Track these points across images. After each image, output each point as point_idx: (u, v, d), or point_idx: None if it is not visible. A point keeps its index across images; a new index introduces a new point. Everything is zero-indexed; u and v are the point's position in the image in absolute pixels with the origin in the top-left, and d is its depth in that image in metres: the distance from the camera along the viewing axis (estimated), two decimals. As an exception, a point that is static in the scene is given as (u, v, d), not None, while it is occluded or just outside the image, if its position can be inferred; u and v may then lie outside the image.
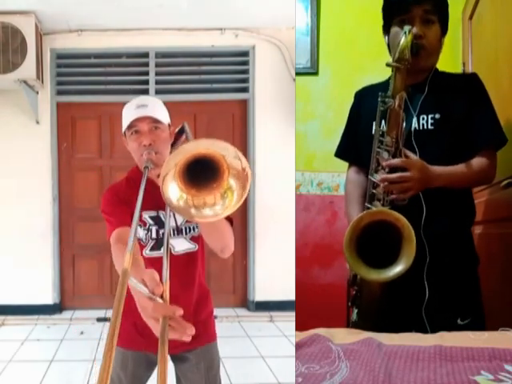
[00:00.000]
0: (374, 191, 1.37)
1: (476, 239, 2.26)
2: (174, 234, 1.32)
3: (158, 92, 3.53)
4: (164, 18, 3.31)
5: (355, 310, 1.51)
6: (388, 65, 1.34)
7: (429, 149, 1.41)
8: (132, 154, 1.30)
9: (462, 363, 0.99)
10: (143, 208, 1.14)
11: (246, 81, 3.64)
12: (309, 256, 2.64)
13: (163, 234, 1.28)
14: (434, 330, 1.27)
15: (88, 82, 3.58)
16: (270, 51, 3.58)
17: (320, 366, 1.01)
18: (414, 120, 1.44)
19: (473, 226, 1.58)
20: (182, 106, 3.59)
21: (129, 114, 1.28)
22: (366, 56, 2.54)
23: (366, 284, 1.44)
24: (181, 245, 1.33)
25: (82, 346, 2.98)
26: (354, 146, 1.63)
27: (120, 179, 1.39)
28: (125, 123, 1.29)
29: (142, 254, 1.24)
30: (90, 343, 2.96)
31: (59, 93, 3.60)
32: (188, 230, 1.34)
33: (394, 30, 1.45)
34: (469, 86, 1.49)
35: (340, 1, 2.72)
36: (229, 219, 1.26)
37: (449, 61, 2.55)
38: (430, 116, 1.45)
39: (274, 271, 3.46)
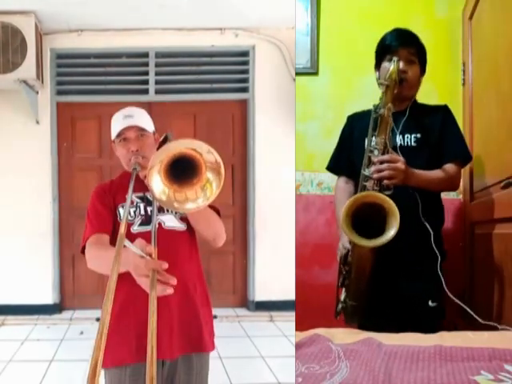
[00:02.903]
0: (365, 184, 1.64)
1: (476, 239, 2.26)
2: (162, 211, 1.38)
3: (157, 92, 3.52)
4: (164, 18, 3.31)
5: (343, 293, 1.79)
6: (380, 83, 1.68)
7: (413, 161, 1.68)
8: (120, 160, 1.43)
9: (461, 363, 0.99)
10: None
11: (246, 81, 3.64)
12: (309, 256, 2.63)
13: (151, 210, 1.36)
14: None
15: (88, 82, 3.58)
16: (270, 51, 3.58)
17: (320, 366, 1.01)
18: (399, 138, 1.78)
19: (442, 227, 1.86)
20: (182, 106, 3.60)
21: (117, 124, 1.41)
22: (365, 56, 2.53)
23: (356, 261, 1.71)
24: (169, 221, 1.38)
25: (82, 346, 2.97)
26: (345, 161, 1.93)
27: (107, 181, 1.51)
28: (114, 132, 1.42)
29: (130, 231, 1.33)
30: (90, 343, 2.93)
31: (59, 93, 3.60)
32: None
33: (384, 65, 1.77)
34: (441, 113, 1.83)
35: (340, 1, 2.71)
36: (215, 210, 1.38)
37: (449, 61, 2.55)
38: (413, 135, 1.79)
39: (274, 271, 3.46)
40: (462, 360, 1.00)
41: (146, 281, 1.06)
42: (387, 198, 1.54)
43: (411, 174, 1.65)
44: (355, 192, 1.74)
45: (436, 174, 1.75)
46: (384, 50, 1.80)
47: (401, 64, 1.71)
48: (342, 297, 1.80)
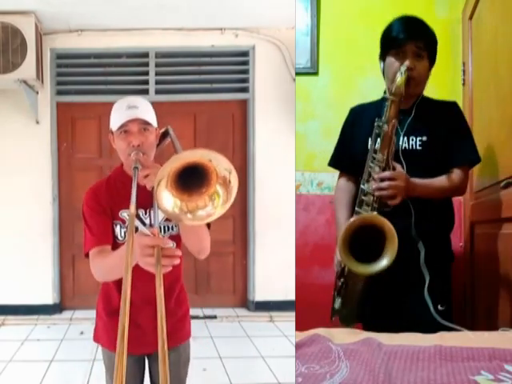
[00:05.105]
0: (363, 198, 1.61)
1: (476, 239, 2.26)
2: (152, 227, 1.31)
3: (157, 92, 3.52)
4: (164, 18, 3.31)
5: (339, 300, 1.76)
6: (385, 98, 1.61)
7: (417, 165, 1.65)
8: (118, 153, 1.34)
9: (462, 363, 0.99)
10: (123, 206, 1.29)
11: (246, 81, 3.64)
12: (309, 256, 2.64)
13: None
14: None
15: (88, 82, 3.57)
16: (270, 51, 3.58)
17: (320, 365, 1.01)
18: (403, 139, 1.69)
19: (452, 230, 1.81)
20: (182, 106, 3.59)
21: (120, 114, 1.31)
22: (365, 56, 2.54)
23: (351, 277, 1.67)
24: None
25: (82, 345, 2.97)
26: (347, 158, 1.84)
27: (101, 179, 1.44)
28: (115, 123, 1.32)
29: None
30: (90, 343, 2.92)
31: (59, 93, 3.59)
32: (167, 229, 1.35)
33: (390, 60, 1.68)
34: (449, 112, 1.75)
35: (340, 1, 2.71)
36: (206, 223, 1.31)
37: (449, 61, 2.55)
38: (418, 138, 1.69)
39: (274, 271, 3.46)
40: (461, 360, 1.00)
41: (151, 260, 1.03)
42: (386, 222, 1.50)
43: (413, 187, 1.59)
44: (356, 191, 1.71)
45: (440, 182, 1.67)
46: (390, 43, 1.69)
47: (408, 61, 1.63)
48: (336, 305, 1.77)
